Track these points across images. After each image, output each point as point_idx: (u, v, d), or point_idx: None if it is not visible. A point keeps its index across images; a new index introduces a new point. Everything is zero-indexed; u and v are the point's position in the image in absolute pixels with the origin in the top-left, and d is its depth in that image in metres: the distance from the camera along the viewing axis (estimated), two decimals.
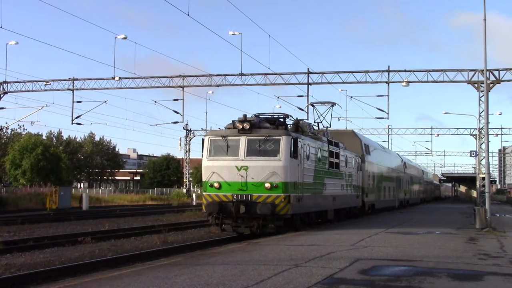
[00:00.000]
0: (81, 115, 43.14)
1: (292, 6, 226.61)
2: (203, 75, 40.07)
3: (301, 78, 37.61)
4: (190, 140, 66.00)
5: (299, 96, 38.98)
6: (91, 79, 41.21)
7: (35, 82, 42.31)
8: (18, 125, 70.75)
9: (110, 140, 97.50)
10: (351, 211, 27.56)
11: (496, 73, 33.98)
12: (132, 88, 40.84)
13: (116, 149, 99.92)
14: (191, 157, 68.24)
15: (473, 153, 43.78)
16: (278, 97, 39.74)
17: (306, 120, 22.51)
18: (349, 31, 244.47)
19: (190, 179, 70.98)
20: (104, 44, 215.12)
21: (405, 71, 35.83)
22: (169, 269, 10.14)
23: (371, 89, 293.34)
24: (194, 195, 60.60)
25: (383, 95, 36.82)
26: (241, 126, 17.82)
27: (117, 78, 39.83)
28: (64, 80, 42.00)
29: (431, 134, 68.18)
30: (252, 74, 38.55)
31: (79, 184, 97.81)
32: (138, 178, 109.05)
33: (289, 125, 19.68)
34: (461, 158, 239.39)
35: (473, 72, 34.42)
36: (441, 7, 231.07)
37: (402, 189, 46.71)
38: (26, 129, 75.21)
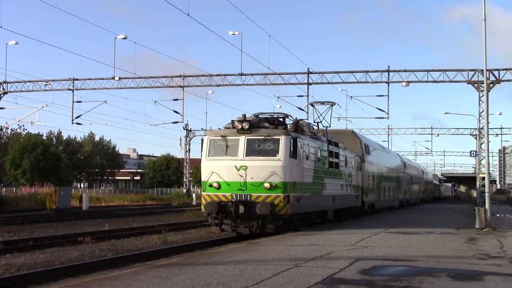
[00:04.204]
0: (81, 115, 43.19)
1: (292, 5, 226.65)
2: (203, 75, 40.07)
3: (301, 78, 37.62)
4: (190, 140, 66.01)
5: (299, 96, 39.02)
6: (91, 79, 41.21)
7: (35, 82, 42.31)
8: (18, 125, 70.82)
9: (110, 140, 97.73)
10: (350, 211, 27.56)
11: (496, 73, 33.99)
12: (132, 88, 40.84)
13: (116, 149, 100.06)
14: (191, 157, 68.30)
15: (473, 153, 43.85)
16: (278, 97, 39.83)
17: (305, 120, 22.49)
18: (348, 27, 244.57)
19: (190, 179, 71.00)
20: (104, 44, 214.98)
21: (405, 71, 35.84)
22: (169, 269, 10.15)
23: (371, 89, 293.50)
24: (194, 195, 60.60)
25: (383, 95, 36.86)
26: (241, 126, 17.82)
27: (117, 78, 39.82)
28: (64, 80, 41.99)
29: (431, 134, 68.21)
30: (252, 74, 38.56)
31: (79, 184, 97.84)
32: (138, 178, 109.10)
33: (288, 125, 19.67)
34: (461, 158, 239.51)
35: (473, 72, 34.43)
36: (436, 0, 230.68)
37: (402, 189, 46.71)
38: (26, 129, 75.34)
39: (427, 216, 32.27)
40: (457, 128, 66.30)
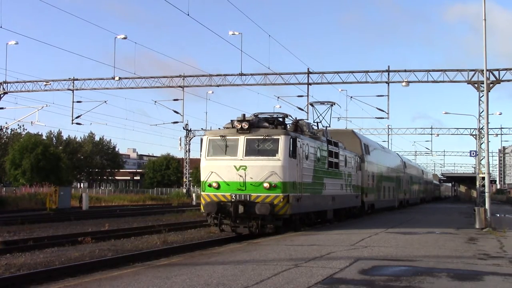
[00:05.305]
0: (81, 115, 43.22)
1: (292, 5, 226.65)
2: (203, 75, 40.07)
3: (301, 78, 37.63)
4: (190, 140, 66.00)
5: (299, 96, 39.04)
6: (91, 79, 41.24)
7: (35, 82, 42.33)
8: (18, 125, 70.91)
9: (110, 140, 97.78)
10: (350, 211, 27.55)
11: (496, 73, 34.00)
12: (132, 88, 40.86)
13: (116, 149, 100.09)
14: (191, 157, 68.29)
15: (473, 153, 43.86)
16: (278, 97, 39.80)
17: (305, 120, 22.48)
18: (348, 27, 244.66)
19: (190, 179, 71.02)
20: (104, 44, 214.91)
21: (405, 71, 35.84)
22: (169, 269, 10.14)
23: (371, 89, 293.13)
24: (194, 195, 60.59)
25: (383, 95, 36.88)
26: (240, 126, 17.79)
27: (117, 78, 39.83)
28: (64, 80, 42.01)
29: (431, 134, 68.21)
30: (252, 74, 38.58)
31: (79, 184, 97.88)
32: (138, 178, 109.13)
33: (288, 125, 19.65)
34: (461, 158, 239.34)
35: (473, 72, 34.44)
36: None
37: (402, 189, 46.71)
38: (26, 129, 75.41)
39: (427, 216, 32.26)
40: (457, 128, 66.37)
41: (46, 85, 42.12)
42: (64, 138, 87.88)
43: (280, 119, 19.44)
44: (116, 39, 37.61)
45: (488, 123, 24.30)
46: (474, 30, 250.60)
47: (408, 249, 13.83)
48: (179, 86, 40.42)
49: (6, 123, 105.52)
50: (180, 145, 64.36)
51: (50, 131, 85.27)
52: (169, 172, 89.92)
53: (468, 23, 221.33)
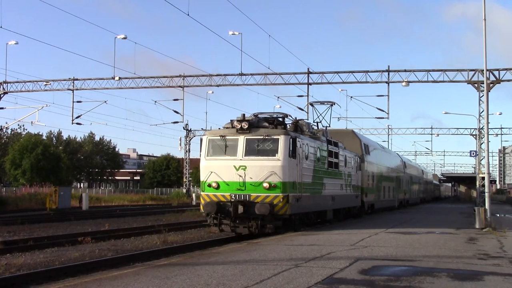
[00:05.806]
0: (81, 115, 43.19)
1: (292, 5, 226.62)
2: (203, 75, 40.06)
3: (301, 78, 37.61)
4: (190, 140, 65.98)
5: (299, 96, 39.04)
6: (91, 79, 41.21)
7: (35, 82, 42.30)
8: (18, 125, 70.92)
9: (110, 140, 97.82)
10: (350, 211, 27.55)
11: (496, 73, 33.99)
12: (132, 88, 40.83)
13: (116, 149, 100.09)
14: (191, 157, 68.27)
15: (473, 153, 43.87)
16: (278, 97, 39.78)
17: (305, 120, 22.47)
18: (348, 27, 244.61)
19: (190, 179, 71.01)
20: (104, 44, 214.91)
21: (405, 71, 35.83)
22: (169, 269, 10.14)
23: (371, 89, 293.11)
24: (194, 195, 60.60)
25: (383, 95, 36.87)
26: (240, 126, 17.79)
27: (117, 78, 39.81)
28: (64, 80, 41.99)
29: (431, 134, 68.15)
30: (252, 74, 38.56)
31: (79, 184, 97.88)
32: (138, 178, 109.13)
33: (288, 125, 19.64)
34: (461, 158, 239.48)
35: (473, 72, 34.43)
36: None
37: (402, 189, 46.70)
38: (26, 129, 75.44)
39: (427, 216, 32.26)
40: (457, 128, 66.31)
41: (46, 85, 42.11)
42: (64, 138, 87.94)
43: (280, 119, 19.44)
44: (116, 39, 37.63)
45: (488, 123, 24.31)
46: (474, 30, 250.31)
47: (408, 249, 13.83)
48: (179, 86, 40.40)
49: (6, 123, 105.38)
50: (180, 145, 64.38)
51: (50, 131, 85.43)
52: (169, 172, 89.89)
53: (468, 23, 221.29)
